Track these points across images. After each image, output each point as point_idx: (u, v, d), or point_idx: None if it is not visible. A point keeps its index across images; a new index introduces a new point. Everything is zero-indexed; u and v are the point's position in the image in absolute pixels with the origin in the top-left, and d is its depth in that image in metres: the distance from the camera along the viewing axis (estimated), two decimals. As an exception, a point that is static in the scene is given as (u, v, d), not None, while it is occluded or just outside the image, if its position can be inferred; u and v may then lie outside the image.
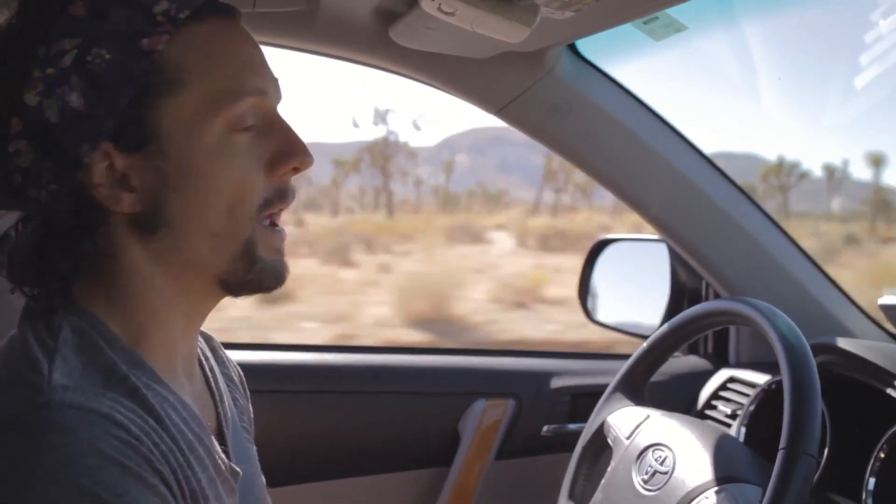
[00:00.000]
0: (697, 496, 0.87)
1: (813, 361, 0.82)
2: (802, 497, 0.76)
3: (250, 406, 0.93)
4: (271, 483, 1.42)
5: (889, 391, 1.09)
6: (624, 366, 1.12)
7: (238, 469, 0.75)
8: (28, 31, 0.64)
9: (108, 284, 0.68)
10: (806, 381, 0.80)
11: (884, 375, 1.11)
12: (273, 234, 0.72)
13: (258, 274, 0.71)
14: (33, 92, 0.63)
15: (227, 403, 0.81)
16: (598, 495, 1.01)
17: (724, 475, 0.88)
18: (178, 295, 0.71)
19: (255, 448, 0.86)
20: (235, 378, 0.91)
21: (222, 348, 0.91)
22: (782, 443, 0.78)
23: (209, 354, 0.86)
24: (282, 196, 0.72)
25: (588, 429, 1.12)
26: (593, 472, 1.10)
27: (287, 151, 0.71)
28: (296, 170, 0.72)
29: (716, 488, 0.87)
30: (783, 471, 0.76)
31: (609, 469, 1.02)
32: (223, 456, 0.72)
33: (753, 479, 0.87)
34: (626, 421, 1.05)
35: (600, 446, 1.10)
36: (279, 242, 0.73)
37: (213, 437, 0.72)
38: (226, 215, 0.68)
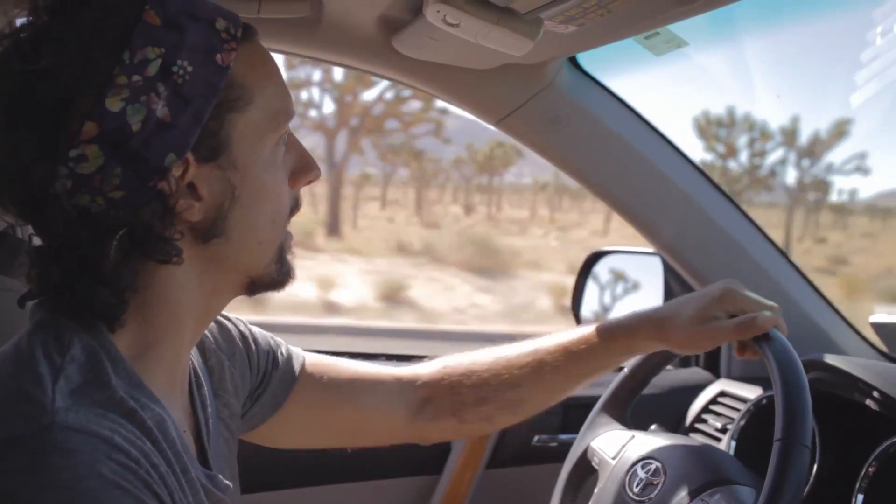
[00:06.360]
0: (692, 501, 0.88)
1: (801, 365, 0.82)
2: (800, 489, 0.75)
3: (248, 371, 0.92)
4: (262, 488, 1.42)
5: (878, 408, 1.10)
6: (607, 389, 1.12)
7: (228, 482, 0.75)
8: (110, 33, 0.62)
9: (133, 293, 0.67)
10: (796, 377, 0.80)
11: (873, 393, 1.12)
12: (291, 237, 0.79)
13: (285, 275, 0.77)
14: (117, 98, 0.61)
15: (209, 409, 0.82)
16: None
17: (717, 479, 0.89)
18: (201, 298, 0.74)
19: (228, 448, 0.86)
20: (237, 353, 0.91)
21: (233, 327, 0.93)
22: (777, 435, 0.77)
23: (211, 347, 0.88)
24: (298, 205, 0.79)
25: (572, 454, 1.11)
26: (578, 498, 1.09)
27: (305, 166, 0.78)
28: (309, 182, 0.79)
29: (709, 491, 0.87)
30: (781, 461, 0.75)
31: (596, 490, 1.01)
32: (204, 478, 0.72)
33: (746, 482, 0.88)
34: (611, 443, 1.04)
35: (585, 471, 1.09)
36: (292, 243, 0.79)
37: (195, 457, 0.73)
38: (270, 224, 0.74)
